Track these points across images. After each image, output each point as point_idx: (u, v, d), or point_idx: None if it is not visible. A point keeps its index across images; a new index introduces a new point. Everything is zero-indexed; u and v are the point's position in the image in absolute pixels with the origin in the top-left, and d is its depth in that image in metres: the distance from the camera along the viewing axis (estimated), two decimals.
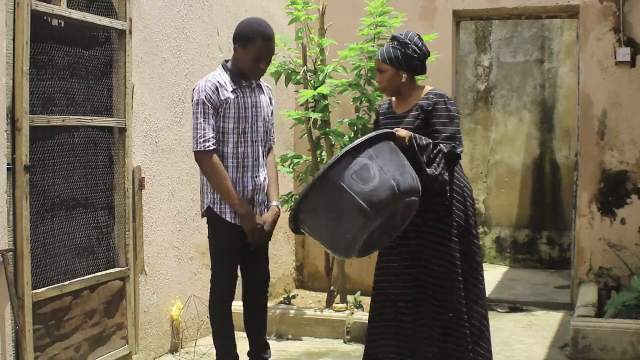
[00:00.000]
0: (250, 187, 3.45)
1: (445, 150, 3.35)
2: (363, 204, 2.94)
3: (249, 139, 3.44)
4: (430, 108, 3.43)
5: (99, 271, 3.80)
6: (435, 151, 3.34)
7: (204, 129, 3.32)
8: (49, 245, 3.46)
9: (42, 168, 3.41)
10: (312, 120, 5.04)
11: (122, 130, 3.94)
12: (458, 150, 3.41)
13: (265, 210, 3.56)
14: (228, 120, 3.38)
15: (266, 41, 3.36)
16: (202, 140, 3.32)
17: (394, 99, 3.62)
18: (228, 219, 3.42)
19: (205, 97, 3.33)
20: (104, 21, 3.76)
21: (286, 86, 5.22)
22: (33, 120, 3.29)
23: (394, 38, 3.54)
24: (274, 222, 3.52)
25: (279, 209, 3.55)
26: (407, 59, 3.47)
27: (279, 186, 3.66)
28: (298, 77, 5.10)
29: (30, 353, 3.25)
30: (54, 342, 3.48)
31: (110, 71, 3.90)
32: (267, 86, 3.64)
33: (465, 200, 3.49)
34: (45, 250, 3.43)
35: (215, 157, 3.34)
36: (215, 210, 3.43)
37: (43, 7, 3.34)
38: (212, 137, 3.33)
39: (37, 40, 3.33)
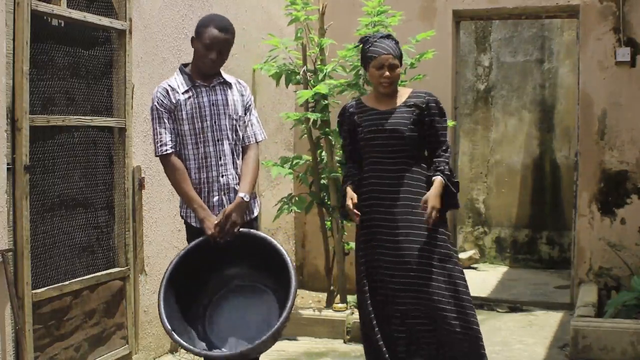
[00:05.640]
0: (215, 187, 3.30)
1: (448, 159, 3.55)
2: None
3: (209, 138, 3.29)
4: (424, 106, 3.55)
5: (99, 271, 3.80)
6: (449, 167, 3.55)
7: (160, 134, 3.27)
8: (49, 245, 3.46)
9: (42, 168, 3.41)
10: (311, 120, 5.04)
11: (122, 130, 3.94)
12: (449, 148, 3.61)
13: (243, 212, 3.34)
14: (183, 122, 3.26)
15: (218, 30, 3.24)
16: (159, 145, 3.27)
17: (370, 97, 3.70)
18: (193, 223, 3.34)
19: (157, 102, 3.28)
20: (104, 21, 3.76)
21: (287, 87, 5.22)
22: (33, 120, 3.29)
23: (391, 36, 3.63)
24: (236, 214, 3.23)
25: (245, 200, 3.27)
26: (401, 59, 3.64)
27: (253, 180, 3.37)
28: (298, 77, 5.10)
29: (30, 353, 3.26)
30: (54, 342, 3.48)
31: (110, 71, 3.91)
32: (238, 82, 3.47)
33: None
34: (45, 250, 3.43)
35: (174, 160, 3.27)
36: (182, 214, 3.38)
37: (43, 7, 3.34)
38: (170, 141, 3.27)
39: (37, 40, 3.33)
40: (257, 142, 3.47)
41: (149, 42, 4.21)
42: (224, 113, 3.33)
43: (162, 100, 3.26)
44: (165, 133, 3.27)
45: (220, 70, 3.40)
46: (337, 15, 5.46)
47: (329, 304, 5.22)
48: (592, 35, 5.53)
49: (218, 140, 3.31)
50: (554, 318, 5.45)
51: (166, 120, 3.27)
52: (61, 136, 3.54)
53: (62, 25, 3.57)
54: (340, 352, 4.62)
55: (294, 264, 3.16)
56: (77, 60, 3.66)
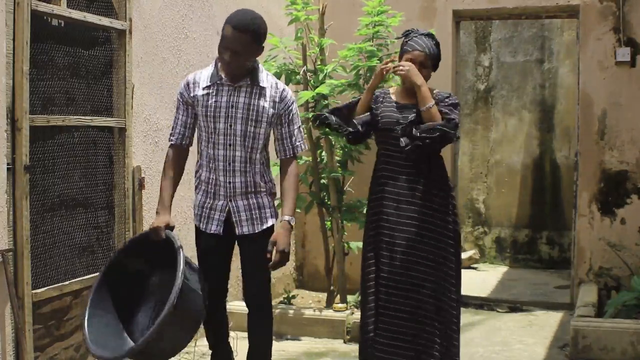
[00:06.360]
0: (222, 192, 3.20)
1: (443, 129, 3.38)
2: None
3: (221, 141, 3.15)
4: (438, 98, 3.49)
5: (99, 271, 3.79)
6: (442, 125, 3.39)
7: (174, 122, 3.29)
8: (49, 245, 3.46)
9: (42, 168, 3.41)
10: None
11: (122, 130, 3.94)
12: (456, 134, 3.44)
13: (254, 222, 3.25)
14: (199, 118, 3.20)
15: (232, 29, 3.01)
16: (170, 133, 3.31)
17: (397, 89, 3.62)
18: (196, 221, 3.33)
19: (180, 91, 3.26)
20: (104, 21, 3.76)
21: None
22: (33, 120, 3.29)
23: (432, 36, 3.54)
24: (282, 240, 3.14)
25: (291, 225, 3.18)
26: (437, 61, 3.55)
27: (295, 199, 3.24)
28: (298, 77, 5.10)
29: (30, 353, 3.25)
30: (54, 342, 3.48)
31: (110, 71, 3.91)
32: (276, 86, 3.22)
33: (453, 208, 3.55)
34: (45, 250, 3.43)
35: (171, 151, 3.27)
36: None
37: (43, 7, 3.34)
38: (178, 133, 3.26)
39: (37, 40, 3.33)
40: (294, 156, 3.30)
41: (149, 42, 4.21)
42: (242, 117, 3.14)
43: (182, 91, 3.24)
44: (177, 123, 3.28)
45: (261, 71, 3.20)
46: (337, 15, 5.47)
47: (329, 304, 5.23)
48: (592, 35, 5.53)
49: (230, 145, 3.16)
50: (554, 318, 5.45)
51: (182, 111, 3.25)
52: (61, 136, 3.54)
53: (62, 25, 3.57)
54: (340, 352, 4.62)
55: (188, 261, 3.10)
56: (77, 60, 3.66)
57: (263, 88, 3.18)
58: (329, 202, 5.19)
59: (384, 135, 3.52)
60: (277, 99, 3.21)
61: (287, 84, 5.12)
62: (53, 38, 3.49)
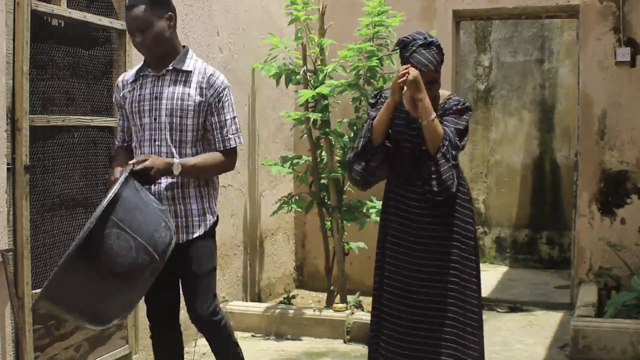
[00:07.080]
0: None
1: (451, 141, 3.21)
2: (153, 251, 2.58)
3: (146, 137, 2.89)
4: (442, 112, 3.30)
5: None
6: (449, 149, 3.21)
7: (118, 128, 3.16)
8: (49, 245, 3.46)
9: (42, 168, 3.41)
10: (312, 120, 5.04)
11: None
12: (461, 144, 3.26)
13: (180, 231, 2.90)
14: (128, 119, 2.99)
15: (126, 13, 2.85)
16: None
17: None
18: None
19: (113, 95, 3.10)
20: (104, 21, 3.76)
21: (286, 87, 5.22)
22: (33, 120, 3.29)
23: (433, 44, 3.25)
24: (159, 161, 2.75)
25: (175, 166, 2.77)
26: (442, 64, 3.31)
27: (199, 163, 2.86)
28: (298, 77, 5.10)
29: (30, 353, 3.26)
30: (54, 342, 3.48)
31: (110, 71, 3.91)
32: (205, 71, 2.92)
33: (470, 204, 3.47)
34: (45, 250, 3.43)
35: (116, 150, 3.16)
36: None
37: (43, 7, 3.34)
38: (119, 137, 3.11)
39: (37, 40, 3.33)
40: (225, 150, 2.94)
41: None
42: (166, 108, 2.87)
43: (114, 94, 3.11)
44: (118, 129, 3.14)
45: (189, 57, 2.94)
46: (337, 15, 5.47)
47: (329, 304, 5.23)
48: (592, 35, 5.54)
49: (155, 141, 2.88)
50: (554, 318, 5.45)
51: (119, 115, 3.10)
52: (61, 136, 3.54)
53: (62, 25, 3.57)
54: (340, 352, 4.62)
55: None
56: (77, 60, 3.66)
57: (188, 73, 2.91)
58: (329, 202, 5.19)
59: (397, 145, 3.35)
60: (204, 85, 2.90)
61: (287, 84, 5.13)
62: (53, 38, 3.49)
